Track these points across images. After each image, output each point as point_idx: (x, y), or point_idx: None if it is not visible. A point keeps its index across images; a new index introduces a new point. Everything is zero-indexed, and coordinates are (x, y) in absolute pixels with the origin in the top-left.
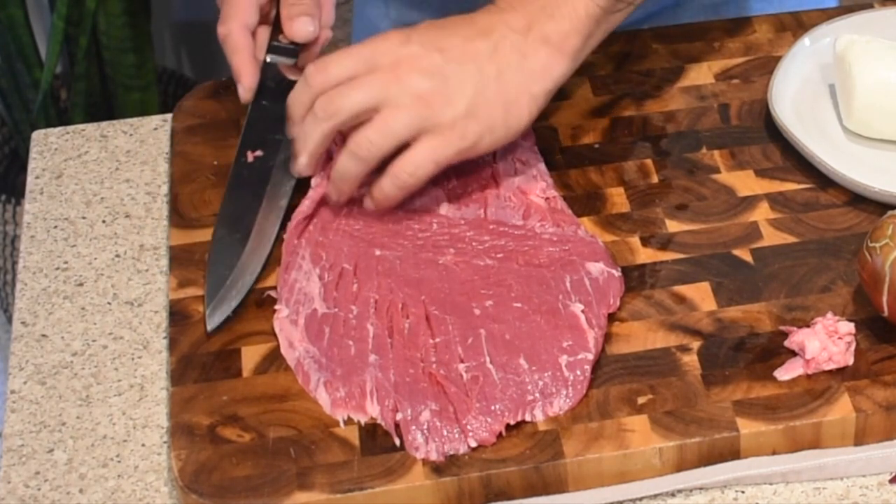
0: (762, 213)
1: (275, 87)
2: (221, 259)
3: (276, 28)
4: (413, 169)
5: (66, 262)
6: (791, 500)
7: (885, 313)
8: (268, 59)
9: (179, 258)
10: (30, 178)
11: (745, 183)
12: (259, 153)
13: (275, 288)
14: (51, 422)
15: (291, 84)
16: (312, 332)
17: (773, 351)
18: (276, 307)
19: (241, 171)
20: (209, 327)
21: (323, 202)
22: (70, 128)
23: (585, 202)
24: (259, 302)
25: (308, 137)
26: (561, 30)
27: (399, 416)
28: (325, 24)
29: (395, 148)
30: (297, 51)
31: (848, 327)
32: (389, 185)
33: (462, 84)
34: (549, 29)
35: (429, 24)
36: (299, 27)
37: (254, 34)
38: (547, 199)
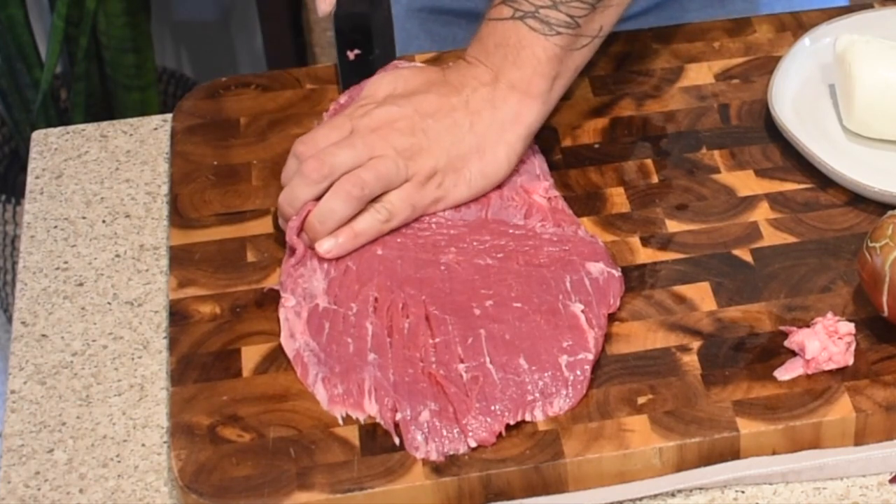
0: (762, 213)
1: None
2: None
3: None
4: (391, 206)
5: (66, 262)
6: (791, 500)
7: (885, 313)
8: None
9: (179, 258)
10: (30, 178)
11: (745, 183)
12: (357, 51)
13: (275, 287)
14: (51, 422)
15: None
16: (313, 326)
17: (773, 351)
18: (283, 295)
19: (348, 68)
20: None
21: None
22: (70, 128)
23: (585, 202)
24: (259, 302)
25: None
26: (524, 75)
27: (398, 416)
28: None
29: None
30: None
31: (848, 327)
32: (369, 219)
33: (440, 138)
34: (514, 76)
35: (403, 83)
36: None
37: None
38: (549, 198)
